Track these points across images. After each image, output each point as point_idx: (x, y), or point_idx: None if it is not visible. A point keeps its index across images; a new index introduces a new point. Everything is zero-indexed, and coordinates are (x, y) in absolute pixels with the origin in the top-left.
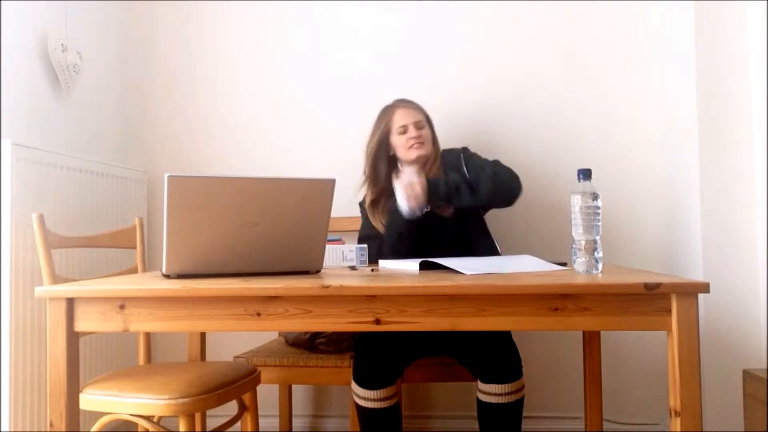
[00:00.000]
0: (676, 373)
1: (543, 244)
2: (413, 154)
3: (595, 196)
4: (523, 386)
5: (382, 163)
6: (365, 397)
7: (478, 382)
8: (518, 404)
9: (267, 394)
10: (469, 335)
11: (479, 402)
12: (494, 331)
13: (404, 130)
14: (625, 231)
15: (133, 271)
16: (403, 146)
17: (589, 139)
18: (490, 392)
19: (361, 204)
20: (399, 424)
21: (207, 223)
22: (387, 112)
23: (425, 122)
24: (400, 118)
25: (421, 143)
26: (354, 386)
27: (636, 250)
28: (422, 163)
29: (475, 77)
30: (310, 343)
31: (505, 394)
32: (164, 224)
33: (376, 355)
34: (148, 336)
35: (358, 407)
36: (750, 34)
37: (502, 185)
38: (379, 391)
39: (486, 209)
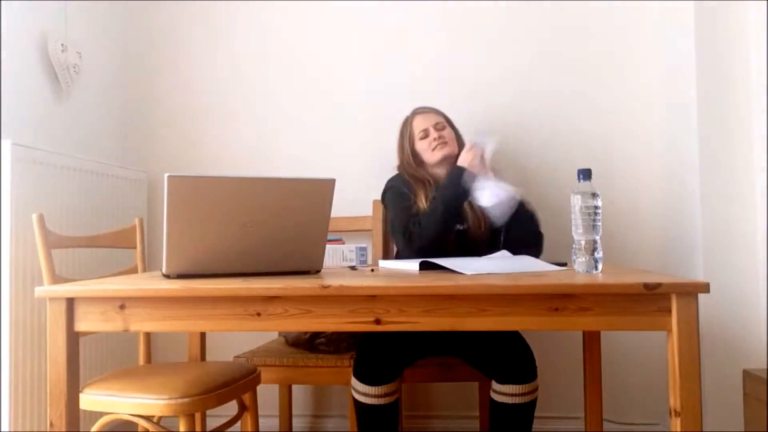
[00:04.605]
0: (676, 373)
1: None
2: (438, 154)
3: (595, 196)
4: (537, 387)
5: (417, 172)
6: (364, 392)
7: (493, 382)
8: (532, 405)
9: (267, 394)
10: (482, 336)
11: (493, 402)
12: (505, 331)
13: (425, 134)
14: (625, 231)
15: (133, 271)
16: (426, 150)
17: (589, 138)
18: (507, 393)
19: (390, 188)
20: (397, 422)
21: (207, 223)
22: (406, 123)
23: (446, 123)
24: (419, 124)
25: (445, 143)
26: (354, 381)
27: (636, 250)
28: (449, 163)
29: (474, 78)
30: (310, 343)
31: (521, 395)
32: (164, 224)
33: (379, 351)
34: (148, 336)
35: (357, 403)
36: (750, 33)
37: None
38: (378, 387)
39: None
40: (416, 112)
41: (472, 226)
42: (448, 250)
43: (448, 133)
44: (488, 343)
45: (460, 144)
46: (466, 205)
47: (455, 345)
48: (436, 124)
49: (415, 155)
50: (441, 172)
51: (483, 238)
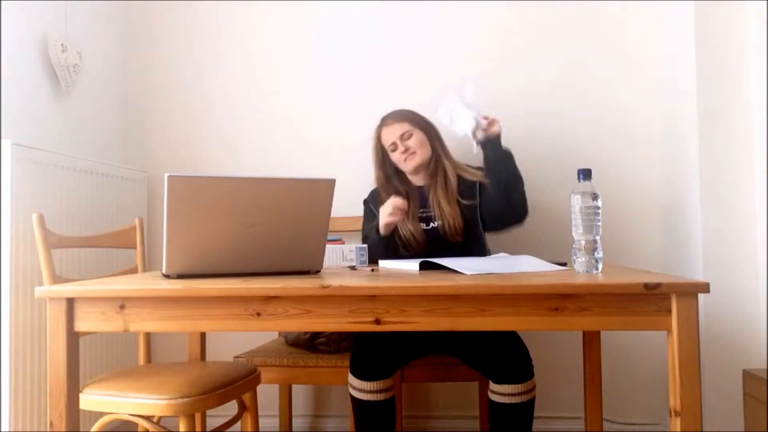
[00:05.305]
0: (676, 373)
1: (543, 244)
2: (409, 166)
3: (595, 196)
4: (534, 386)
5: (395, 179)
6: (360, 388)
7: (491, 383)
8: (530, 404)
9: (267, 394)
10: (478, 336)
11: (491, 403)
12: (501, 331)
13: (394, 147)
14: (625, 231)
15: (133, 271)
16: (398, 161)
17: (589, 139)
18: (504, 393)
19: (366, 201)
20: (393, 419)
21: (207, 223)
22: (376, 135)
23: (412, 129)
24: (387, 138)
25: (413, 153)
26: (350, 377)
27: (636, 250)
28: (424, 168)
29: (473, 78)
30: (310, 343)
31: (518, 394)
32: (164, 224)
33: (375, 347)
34: (148, 336)
35: (353, 399)
36: (750, 33)
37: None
38: (374, 383)
39: (491, 226)
40: (382, 124)
41: (443, 223)
42: (420, 248)
43: (413, 141)
44: (484, 342)
45: (433, 143)
46: (434, 202)
47: (451, 343)
48: (402, 135)
49: (392, 165)
50: (417, 179)
51: (456, 233)
